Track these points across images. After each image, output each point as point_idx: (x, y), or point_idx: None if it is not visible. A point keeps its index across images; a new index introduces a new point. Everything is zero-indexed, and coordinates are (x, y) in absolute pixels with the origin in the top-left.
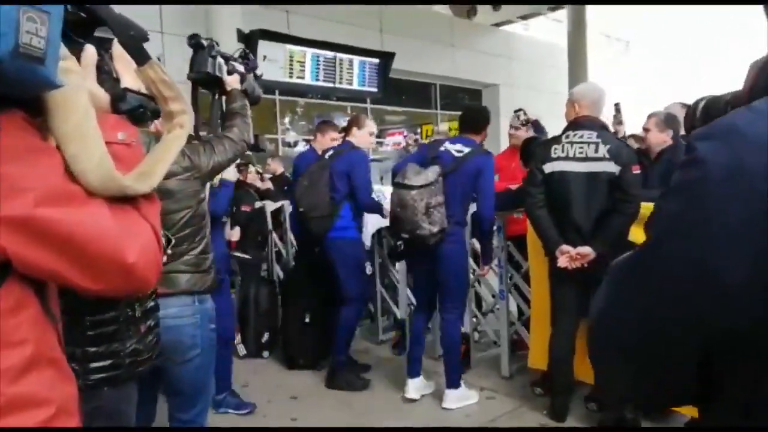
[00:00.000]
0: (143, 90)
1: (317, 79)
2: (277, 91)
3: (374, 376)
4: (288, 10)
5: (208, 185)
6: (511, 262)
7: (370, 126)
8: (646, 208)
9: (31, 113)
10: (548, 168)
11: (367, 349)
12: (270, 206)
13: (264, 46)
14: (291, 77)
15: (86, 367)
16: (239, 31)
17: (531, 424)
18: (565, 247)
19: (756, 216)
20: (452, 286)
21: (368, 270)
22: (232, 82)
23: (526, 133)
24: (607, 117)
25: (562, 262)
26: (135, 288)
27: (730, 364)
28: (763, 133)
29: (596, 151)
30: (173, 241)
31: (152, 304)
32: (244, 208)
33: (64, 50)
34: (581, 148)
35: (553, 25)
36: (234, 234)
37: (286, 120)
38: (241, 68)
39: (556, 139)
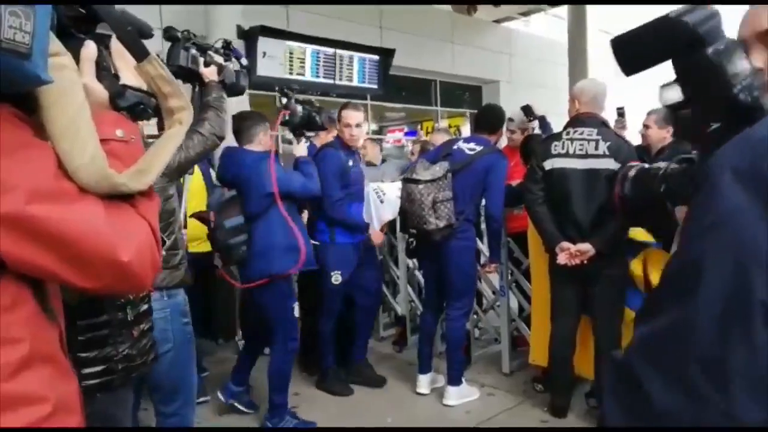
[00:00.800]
0: (143, 86)
1: (317, 76)
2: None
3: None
4: (287, 7)
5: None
6: (511, 258)
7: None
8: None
9: (27, 110)
10: (548, 165)
11: (368, 346)
12: None
13: (264, 43)
14: (291, 74)
15: (79, 373)
16: (239, 28)
17: (532, 420)
18: (564, 244)
19: None
20: (459, 284)
21: (335, 280)
22: (209, 74)
23: (521, 136)
24: (610, 116)
25: (561, 259)
26: (131, 287)
27: None
28: None
29: (596, 148)
30: (167, 243)
31: (145, 307)
32: None
33: (59, 46)
34: (581, 144)
35: (553, 22)
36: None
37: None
38: (219, 59)
39: (557, 136)
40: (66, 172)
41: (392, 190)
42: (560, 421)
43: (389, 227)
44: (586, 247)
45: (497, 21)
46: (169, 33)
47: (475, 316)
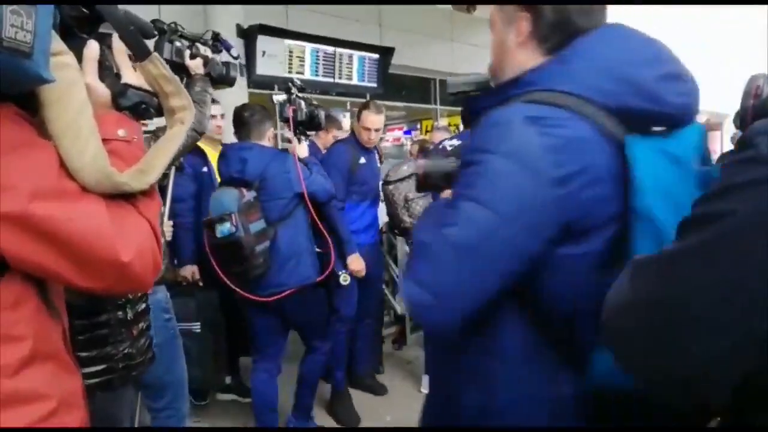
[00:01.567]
0: (145, 86)
1: (317, 74)
2: (276, 86)
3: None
4: (287, 6)
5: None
6: None
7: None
8: None
9: (30, 109)
10: None
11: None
12: None
13: (263, 42)
14: (290, 72)
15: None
16: (239, 27)
17: None
18: None
19: None
20: None
21: (344, 280)
22: (195, 66)
23: None
24: None
25: None
26: (131, 287)
27: None
28: None
29: None
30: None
31: (143, 306)
32: None
33: (61, 45)
34: None
35: None
36: None
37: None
38: (207, 51)
39: None
40: (68, 171)
41: None
42: None
43: (388, 226)
44: None
45: None
46: (154, 25)
47: None
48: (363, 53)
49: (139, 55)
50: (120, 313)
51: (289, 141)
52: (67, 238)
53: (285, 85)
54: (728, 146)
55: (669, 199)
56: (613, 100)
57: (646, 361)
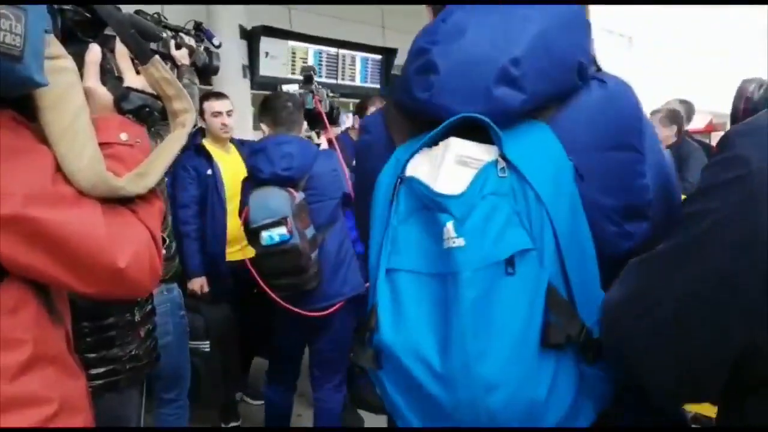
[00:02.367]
0: (148, 89)
1: (320, 76)
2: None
3: None
4: (290, 7)
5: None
6: None
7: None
8: None
9: (28, 114)
10: None
11: None
12: None
13: (266, 43)
14: (293, 73)
15: (86, 374)
16: (242, 28)
17: None
18: None
19: None
20: None
21: None
22: (180, 57)
23: None
24: None
25: None
26: (129, 293)
27: None
28: None
29: None
30: (167, 242)
31: (150, 307)
32: None
33: (59, 49)
34: None
35: None
36: None
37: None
38: (191, 41)
39: None
40: (65, 175)
41: None
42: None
43: None
44: None
45: None
46: (138, 15)
47: None
48: (366, 54)
49: (140, 58)
50: (128, 315)
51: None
52: (61, 243)
53: (306, 71)
54: None
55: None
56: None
57: (630, 359)
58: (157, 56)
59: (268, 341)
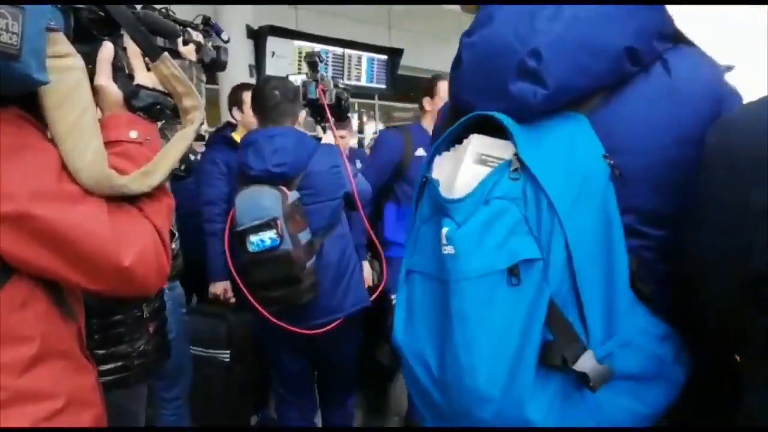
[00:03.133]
0: (159, 87)
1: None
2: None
3: None
4: (296, 7)
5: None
6: None
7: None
8: None
9: (36, 111)
10: None
11: None
12: None
13: (272, 42)
14: (299, 73)
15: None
16: (248, 28)
17: None
18: None
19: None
20: None
21: None
22: (187, 52)
23: None
24: None
25: None
26: (136, 291)
27: None
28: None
29: None
30: (176, 235)
31: (159, 303)
32: None
33: (66, 47)
34: None
35: None
36: None
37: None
38: (198, 37)
39: None
40: (70, 173)
41: None
42: None
43: None
44: None
45: None
46: (146, 10)
47: None
48: (372, 54)
49: (150, 55)
50: (136, 311)
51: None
52: (65, 240)
53: (310, 57)
54: None
55: None
56: None
57: None
58: (166, 53)
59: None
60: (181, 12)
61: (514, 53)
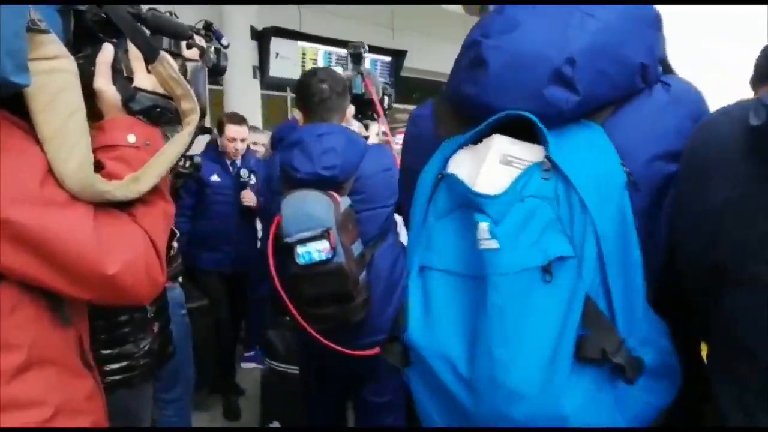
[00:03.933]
0: (159, 89)
1: None
2: (288, 88)
3: None
4: (300, 8)
5: None
6: None
7: None
8: None
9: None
10: None
11: None
12: None
13: (276, 44)
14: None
15: (101, 370)
16: (252, 29)
17: None
18: None
19: None
20: None
21: None
22: (191, 56)
23: None
24: None
25: None
26: (126, 300)
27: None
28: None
29: None
30: (177, 234)
31: (162, 302)
32: None
33: (56, 49)
34: None
35: None
36: None
37: (296, 116)
38: (201, 41)
39: None
40: (56, 178)
41: None
42: None
43: None
44: None
45: None
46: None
47: None
48: (375, 56)
49: (147, 56)
50: (139, 312)
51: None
52: (46, 247)
53: (355, 48)
54: None
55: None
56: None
57: None
58: (165, 54)
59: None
60: (186, 13)
61: (548, 60)
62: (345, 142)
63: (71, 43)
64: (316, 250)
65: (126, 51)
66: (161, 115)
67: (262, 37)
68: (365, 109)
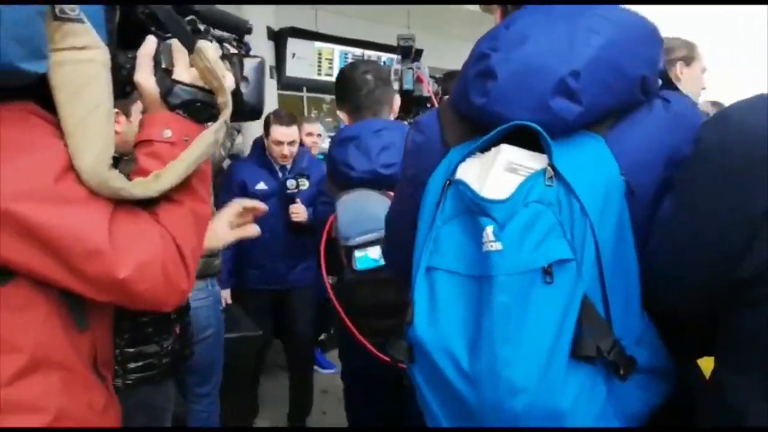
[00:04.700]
0: (199, 83)
1: None
2: (305, 88)
3: None
4: (316, 8)
5: None
6: None
7: None
8: None
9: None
10: None
11: None
12: None
13: (293, 44)
14: (319, 74)
15: (125, 368)
16: (269, 29)
17: None
18: None
19: None
20: None
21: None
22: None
23: None
24: None
25: None
26: (142, 306)
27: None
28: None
29: None
30: None
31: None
32: None
33: (87, 39)
34: None
35: None
36: None
37: (313, 116)
38: (233, 51)
39: None
40: (77, 174)
41: None
42: None
43: None
44: None
45: None
46: (191, 26)
47: None
48: (391, 55)
49: (186, 46)
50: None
51: None
52: (54, 243)
53: (404, 41)
54: None
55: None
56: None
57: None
58: (203, 44)
59: None
60: None
61: (554, 73)
62: (396, 138)
63: (114, 34)
64: (376, 255)
65: (165, 41)
66: (202, 109)
67: (278, 38)
68: (411, 107)
